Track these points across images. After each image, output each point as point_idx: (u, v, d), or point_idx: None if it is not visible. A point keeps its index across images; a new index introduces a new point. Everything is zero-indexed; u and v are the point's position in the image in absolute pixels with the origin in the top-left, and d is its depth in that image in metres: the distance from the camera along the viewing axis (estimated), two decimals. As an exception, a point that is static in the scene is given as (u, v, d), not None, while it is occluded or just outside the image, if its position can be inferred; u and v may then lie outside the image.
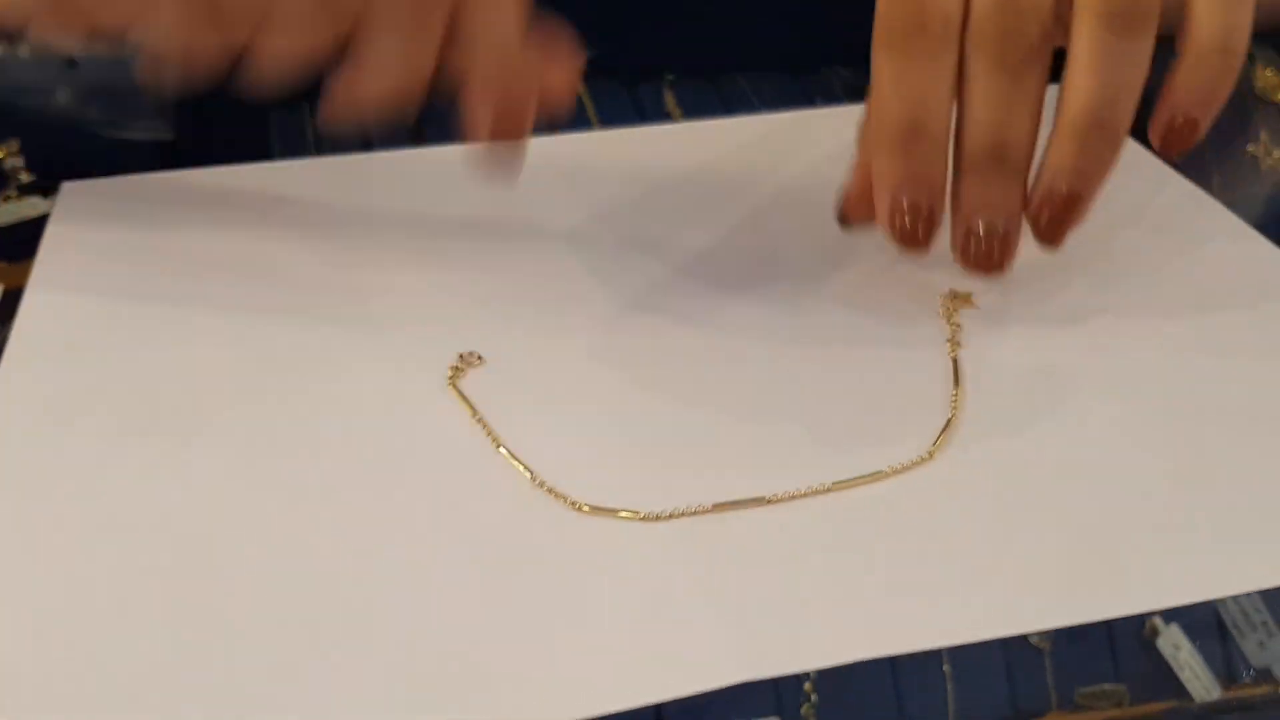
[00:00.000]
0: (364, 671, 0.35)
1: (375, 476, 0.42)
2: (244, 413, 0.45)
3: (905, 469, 0.42)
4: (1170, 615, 0.39)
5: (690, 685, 0.35)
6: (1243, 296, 0.52)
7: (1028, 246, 0.46)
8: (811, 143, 0.62)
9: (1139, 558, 0.39)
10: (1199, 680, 0.37)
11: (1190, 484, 0.42)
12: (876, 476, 0.42)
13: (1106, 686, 0.37)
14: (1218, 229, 0.56)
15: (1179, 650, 0.38)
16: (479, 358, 0.47)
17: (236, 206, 0.57)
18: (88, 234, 0.55)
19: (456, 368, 0.46)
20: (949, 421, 0.44)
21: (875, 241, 0.51)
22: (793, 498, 0.41)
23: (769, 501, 0.41)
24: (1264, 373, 0.47)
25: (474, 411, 0.44)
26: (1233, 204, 0.58)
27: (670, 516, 0.40)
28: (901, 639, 0.36)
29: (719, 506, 0.40)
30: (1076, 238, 0.49)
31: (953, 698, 0.37)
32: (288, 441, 0.43)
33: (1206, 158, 0.62)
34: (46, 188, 0.57)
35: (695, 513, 0.40)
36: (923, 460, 0.43)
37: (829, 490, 0.41)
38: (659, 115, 0.67)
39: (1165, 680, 0.37)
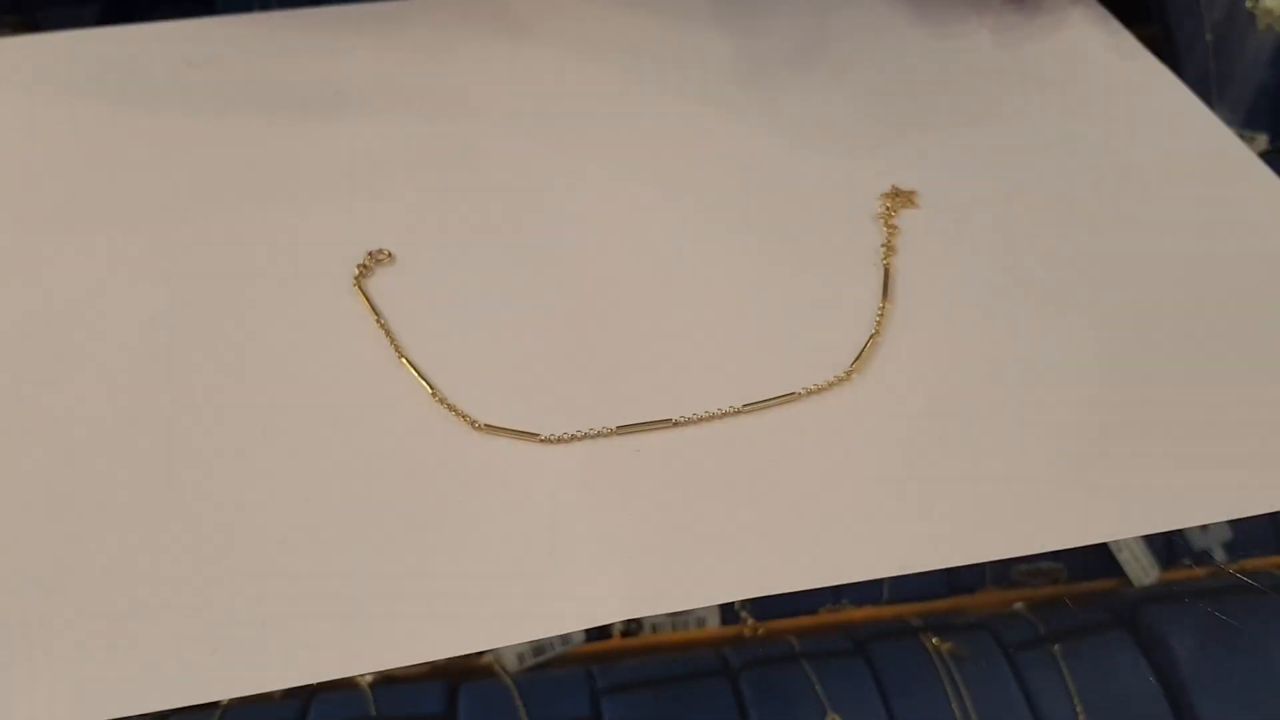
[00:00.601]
0: (225, 585, 0.34)
1: (267, 379, 0.40)
2: (139, 298, 0.43)
3: (820, 390, 0.40)
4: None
5: (572, 622, 0.34)
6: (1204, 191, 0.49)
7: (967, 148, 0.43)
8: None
9: (1061, 490, 0.37)
10: (1137, 562, 0.36)
11: (1127, 409, 0.40)
12: (789, 398, 0.40)
13: (1043, 564, 0.36)
14: (1180, 115, 0.53)
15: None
16: (389, 254, 0.44)
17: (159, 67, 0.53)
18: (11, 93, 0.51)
19: (364, 265, 0.43)
20: (870, 339, 0.42)
21: (809, 132, 0.48)
22: (700, 421, 0.39)
23: (675, 424, 0.39)
24: (1221, 285, 0.45)
25: (377, 316, 0.42)
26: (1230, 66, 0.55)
27: (571, 439, 0.38)
28: (805, 573, 0.35)
29: (623, 429, 0.39)
30: (1036, 127, 0.47)
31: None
32: (179, 337, 0.41)
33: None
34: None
35: (597, 435, 0.39)
36: (839, 380, 0.41)
37: (738, 413, 0.40)
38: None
39: (1104, 560, 0.36)
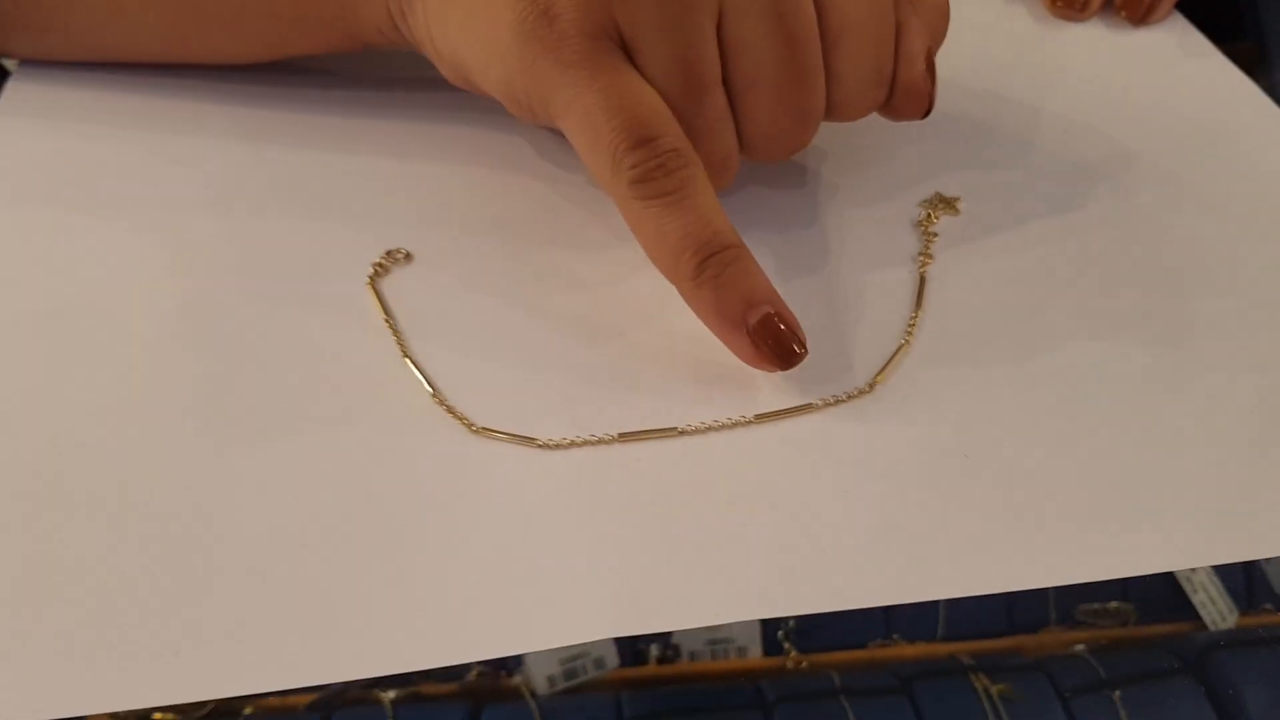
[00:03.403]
0: (200, 584, 0.32)
1: (269, 376, 0.38)
2: (153, 292, 0.41)
3: (840, 402, 0.37)
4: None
5: (552, 639, 0.31)
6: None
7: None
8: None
9: (1095, 519, 0.33)
10: (1214, 605, 0.33)
11: (1176, 436, 0.36)
12: (805, 409, 0.36)
13: (1112, 604, 0.32)
14: (1263, 131, 0.47)
15: (1195, 569, 0.33)
16: (407, 255, 0.42)
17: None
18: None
19: (380, 264, 0.41)
20: (899, 349, 0.38)
21: (849, 138, 0.44)
22: (708, 429, 0.36)
23: (681, 433, 0.36)
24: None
25: (386, 314, 0.39)
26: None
27: (569, 445, 0.35)
28: (812, 597, 0.32)
29: (625, 436, 0.36)
30: (1095, 139, 0.44)
31: (943, 607, 0.33)
32: (188, 334, 0.39)
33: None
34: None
35: (598, 442, 0.36)
36: (861, 393, 0.37)
37: (749, 423, 0.36)
38: None
39: (1177, 602, 0.32)
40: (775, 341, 0.35)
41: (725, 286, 0.35)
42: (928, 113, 0.40)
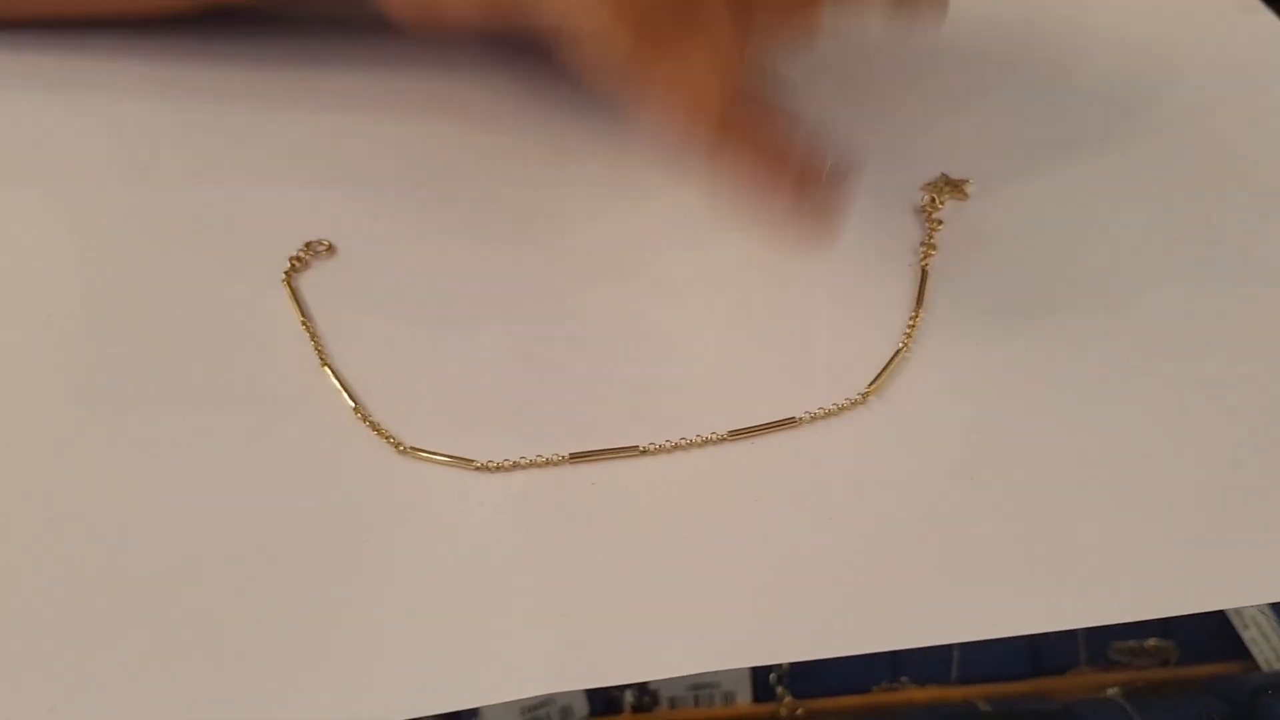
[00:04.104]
0: (96, 631, 0.31)
1: (166, 384, 0.37)
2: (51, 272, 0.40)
3: (828, 415, 0.36)
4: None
5: (486, 695, 0.30)
6: None
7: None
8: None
9: (1115, 556, 0.32)
10: (1267, 642, 0.32)
11: (1214, 456, 0.35)
12: (788, 424, 0.35)
13: (1150, 642, 0.33)
14: None
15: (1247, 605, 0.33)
16: (329, 246, 0.41)
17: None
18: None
19: (299, 258, 0.40)
20: (895, 354, 0.37)
21: (841, 109, 0.44)
22: (674, 449, 0.35)
23: (643, 453, 0.35)
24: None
25: (303, 315, 0.39)
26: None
27: (512, 466, 0.34)
28: (794, 644, 0.31)
29: (577, 457, 0.35)
30: (1123, 109, 0.43)
31: (957, 647, 0.33)
32: (85, 332, 0.38)
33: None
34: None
35: (545, 463, 0.35)
36: (853, 404, 0.36)
37: (722, 441, 0.35)
38: None
39: (1225, 639, 0.32)
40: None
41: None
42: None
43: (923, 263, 0.40)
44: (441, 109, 0.46)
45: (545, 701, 0.30)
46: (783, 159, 0.34)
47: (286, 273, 0.40)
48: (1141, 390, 0.36)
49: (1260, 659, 0.32)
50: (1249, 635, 0.32)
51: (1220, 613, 0.32)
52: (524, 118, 0.46)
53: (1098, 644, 0.32)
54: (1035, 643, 0.31)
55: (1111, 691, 0.31)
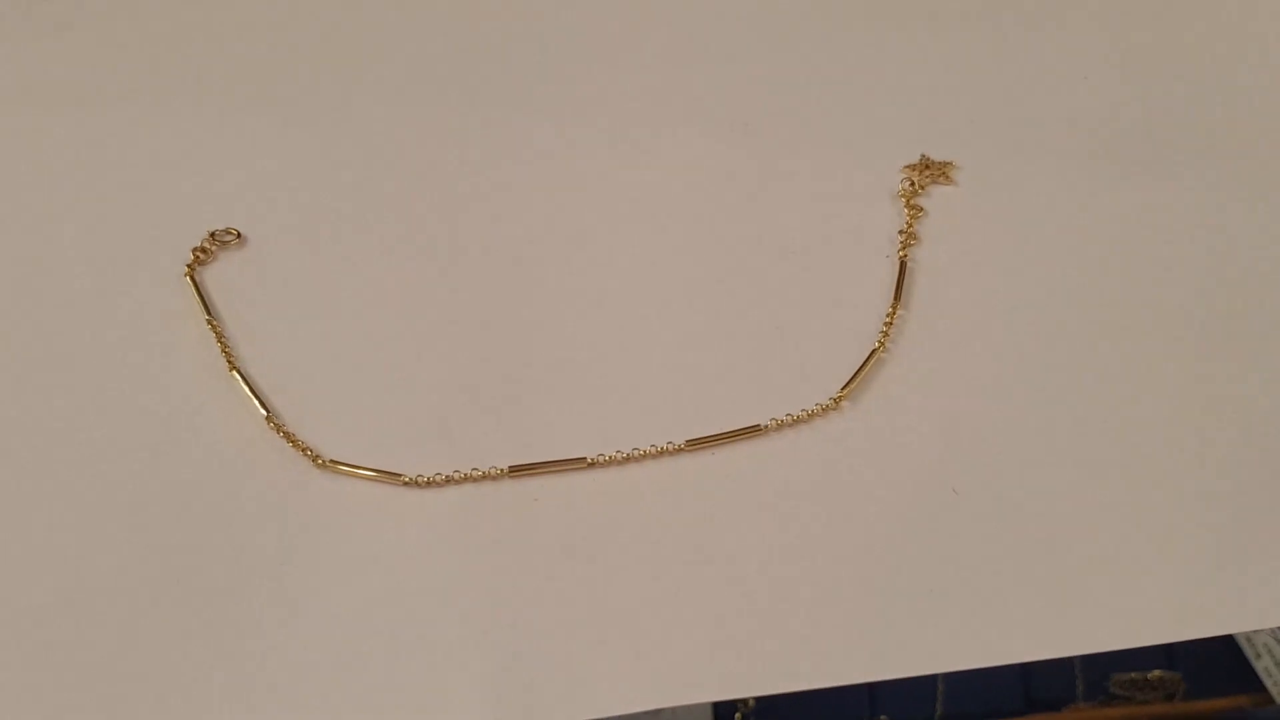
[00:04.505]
0: None
1: (58, 394, 0.36)
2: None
3: (797, 422, 0.35)
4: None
5: None
6: None
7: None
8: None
9: (1110, 576, 0.32)
10: None
11: (1217, 464, 0.34)
12: (752, 433, 0.35)
13: (1154, 674, 0.32)
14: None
15: (1257, 629, 0.32)
16: (237, 235, 0.40)
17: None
18: None
19: (203, 249, 0.39)
20: (871, 355, 0.37)
21: (813, 85, 0.43)
22: (627, 460, 0.34)
23: (591, 465, 0.34)
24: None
25: (208, 313, 0.38)
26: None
27: (445, 482, 0.34)
28: (756, 677, 0.30)
29: (517, 470, 0.34)
30: (1125, 83, 0.43)
31: (942, 680, 0.32)
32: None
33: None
34: None
35: (482, 477, 0.34)
36: (825, 409, 0.35)
37: (679, 451, 0.35)
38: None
39: (1235, 669, 0.32)
40: None
41: None
42: None
43: (901, 254, 0.39)
44: (362, 81, 0.45)
45: (486, 737, 0.30)
46: None
47: (189, 265, 0.39)
48: (1143, 395, 0.36)
49: (1274, 691, 0.32)
50: (1262, 665, 0.32)
51: (1230, 640, 0.32)
52: (459, 86, 0.45)
53: (1096, 676, 0.31)
54: (1027, 674, 0.31)
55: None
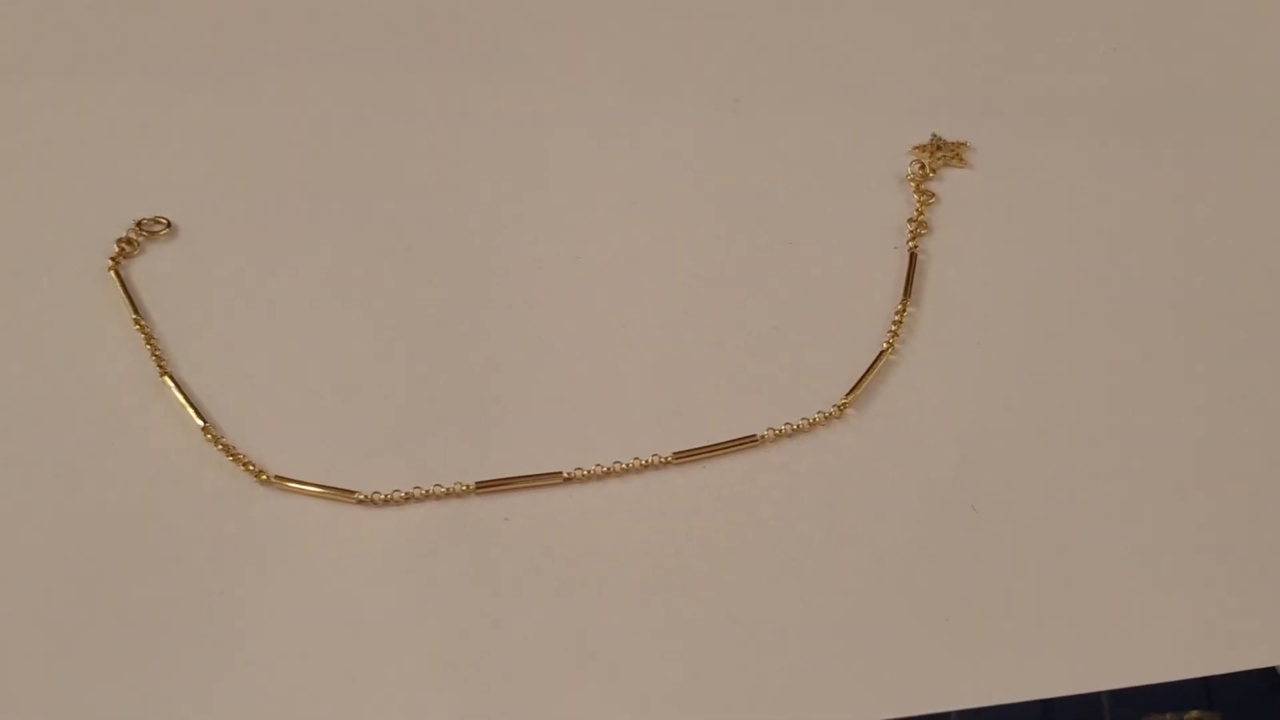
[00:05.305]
0: None
1: None
2: None
3: (797, 432, 0.36)
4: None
5: None
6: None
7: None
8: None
9: (1141, 604, 0.33)
10: None
11: (1249, 477, 0.35)
12: (747, 444, 0.35)
13: (1192, 714, 0.32)
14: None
15: None
16: (167, 224, 0.40)
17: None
18: None
19: (129, 240, 0.40)
20: (879, 357, 0.37)
21: (817, 62, 0.44)
22: (607, 474, 0.35)
23: (567, 480, 0.35)
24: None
25: (135, 313, 0.38)
26: None
27: (404, 499, 0.34)
28: (745, 712, 0.31)
29: (484, 487, 0.34)
30: (1139, 63, 0.44)
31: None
32: None
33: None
34: None
35: (445, 494, 0.34)
36: (828, 418, 0.36)
37: (666, 464, 0.35)
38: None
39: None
40: None
41: None
42: None
43: (911, 245, 0.40)
44: (309, 52, 0.46)
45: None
46: None
47: (113, 258, 0.39)
48: (1183, 402, 0.36)
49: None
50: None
51: (1273, 674, 0.32)
52: (417, 57, 0.46)
53: (1127, 714, 0.32)
54: (1051, 711, 0.31)
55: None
